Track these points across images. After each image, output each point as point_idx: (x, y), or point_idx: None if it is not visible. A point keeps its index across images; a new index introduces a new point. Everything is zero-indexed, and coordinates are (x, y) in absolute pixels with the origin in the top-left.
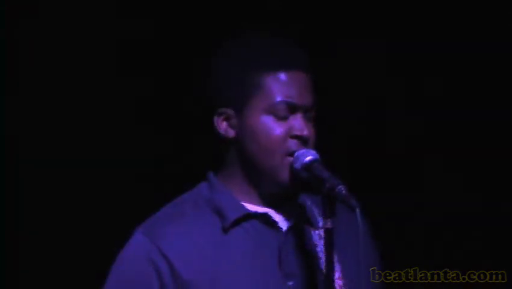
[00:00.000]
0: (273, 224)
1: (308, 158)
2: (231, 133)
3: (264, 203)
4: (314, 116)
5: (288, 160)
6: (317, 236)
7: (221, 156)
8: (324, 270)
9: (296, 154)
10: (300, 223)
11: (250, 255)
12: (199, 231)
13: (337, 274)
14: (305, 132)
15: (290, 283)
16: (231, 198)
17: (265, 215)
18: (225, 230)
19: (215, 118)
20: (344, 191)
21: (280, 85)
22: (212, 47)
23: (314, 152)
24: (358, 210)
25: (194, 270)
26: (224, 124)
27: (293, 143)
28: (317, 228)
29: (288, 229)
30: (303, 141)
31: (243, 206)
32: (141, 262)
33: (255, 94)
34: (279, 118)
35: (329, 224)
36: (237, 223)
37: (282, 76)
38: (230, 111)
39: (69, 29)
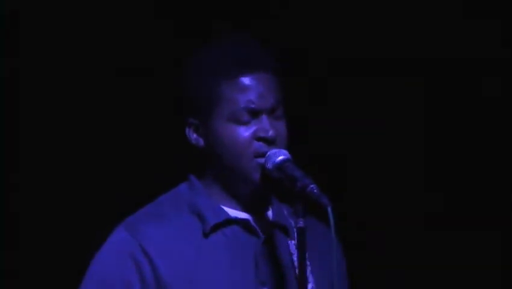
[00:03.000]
0: (253, 230)
1: (280, 158)
2: (201, 142)
3: (242, 208)
4: (282, 113)
5: (257, 161)
6: (294, 246)
7: (198, 163)
8: (297, 271)
9: (268, 153)
10: (278, 231)
11: (228, 261)
12: (179, 233)
13: (310, 286)
14: (270, 133)
15: (267, 287)
16: (211, 202)
17: (245, 222)
18: (205, 234)
19: (186, 128)
20: (316, 190)
21: (240, 92)
22: (184, 57)
23: (285, 151)
24: (329, 208)
25: (173, 270)
26: (194, 135)
27: (259, 145)
28: (293, 238)
29: (266, 236)
30: (270, 142)
31: (224, 211)
32: (123, 257)
33: (217, 103)
34: (242, 124)
35: (301, 223)
36: (216, 227)
37: (241, 82)
38: (197, 121)
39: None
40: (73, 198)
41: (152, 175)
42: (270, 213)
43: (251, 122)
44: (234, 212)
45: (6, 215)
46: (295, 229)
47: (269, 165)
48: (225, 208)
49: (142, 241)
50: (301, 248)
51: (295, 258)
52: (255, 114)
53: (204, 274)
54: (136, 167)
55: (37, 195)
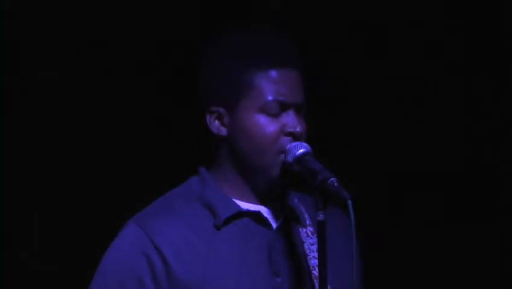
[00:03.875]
0: (264, 222)
1: (300, 151)
2: (223, 131)
3: (255, 200)
4: (306, 112)
5: (280, 158)
6: (305, 234)
7: (213, 154)
8: (312, 269)
9: (288, 147)
10: (289, 220)
11: (241, 252)
12: (190, 227)
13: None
14: (298, 129)
15: (278, 279)
16: (222, 195)
17: (257, 213)
18: (217, 227)
19: (208, 116)
20: (336, 184)
21: (272, 84)
22: (203, 46)
23: (306, 144)
24: (349, 202)
25: (185, 265)
26: (216, 123)
27: (286, 141)
28: (305, 226)
29: (278, 227)
30: (296, 137)
31: (235, 204)
32: (135, 253)
33: (247, 93)
34: (271, 116)
35: (321, 217)
36: (229, 220)
37: (273, 74)
38: (222, 110)
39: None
40: (79, 195)
41: (159, 171)
42: (282, 204)
43: (279, 116)
44: (246, 205)
45: (6, 215)
46: (317, 223)
47: (289, 158)
48: (236, 201)
49: (153, 237)
50: (321, 241)
51: (306, 246)
52: (284, 107)
53: (217, 268)
54: (144, 162)
55: (42, 191)
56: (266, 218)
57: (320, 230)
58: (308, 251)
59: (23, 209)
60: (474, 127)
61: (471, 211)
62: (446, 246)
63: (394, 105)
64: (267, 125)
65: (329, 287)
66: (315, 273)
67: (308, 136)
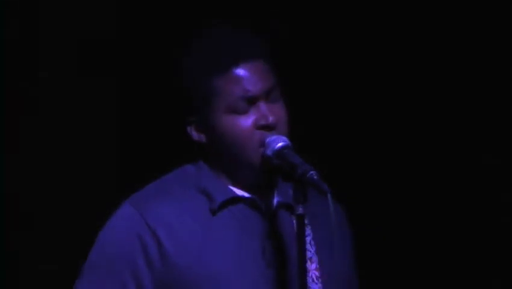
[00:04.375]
0: (259, 208)
1: (279, 145)
2: (203, 138)
3: (249, 190)
4: (279, 94)
5: (260, 151)
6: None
7: (204, 157)
8: (306, 259)
9: (266, 140)
10: (283, 209)
11: (236, 238)
12: (186, 210)
13: (313, 266)
14: (270, 119)
15: (271, 268)
16: (218, 182)
17: (252, 199)
18: (213, 212)
19: (188, 127)
20: (315, 177)
21: (233, 83)
22: (174, 61)
23: (284, 138)
24: (329, 195)
25: (180, 247)
26: (195, 132)
27: (261, 134)
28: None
29: (272, 214)
30: (271, 128)
31: (231, 190)
32: (129, 236)
33: (213, 98)
34: (241, 114)
35: (300, 210)
36: (224, 205)
37: (233, 72)
38: (197, 118)
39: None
40: (79, 196)
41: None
42: (275, 193)
43: (249, 111)
44: (241, 192)
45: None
46: (296, 216)
47: (269, 152)
48: (232, 188)
49: (149, 219)
50: (300, 234)
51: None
52: (251, 101)
53: (212, 252)
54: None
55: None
56: (261, 205)
57: (299, 223)
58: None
59: (23, 209)
60: (475, 127)
61: (471, 211)
62: (445, 246)
63: (393, 103)
64: (237, 124)
65: (318, 277)
66: (307, 265)
67: (291, 117)
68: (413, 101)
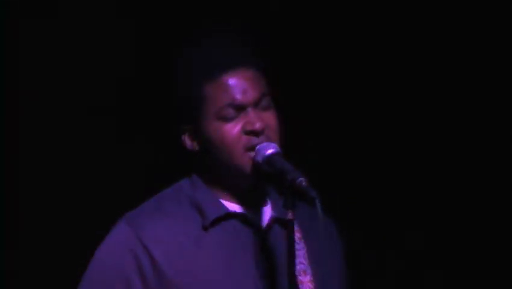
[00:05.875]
0: (250, 224)
1: (269, 152)
2: (196, 146)
3: (242, 202)
4: (269, 102)
5: (248, 155)
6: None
7: (198, 166)
8: (300, 272)
9: (257, 147)
10: (276, 224)
11: (229, 254)
12: (179, 228)
13: (307, 278)
14: (257, 125)
15: (263, 281)
16: (211, 197)
17: (243, 215)
18: (205, 228)
19: (182, 136)
20: (304, 183)
21: (222, 91)
22: (166, 71)
23: (274, 144)
24: (317, 201)
25: (173, 264)
26: (188, 140)
27: (248, 138)
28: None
29: (265, 229)
30: (258, 133)
31: (223, 205)
32: (123, 254)
33: (203, 106)
34: (229, 120)
35: (290, 216)
36: (216, 222)
37: (222, 81)
38: (189, 127)
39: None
40: (81, 196)
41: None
42: (268, 206)
43: (238, 118)
44: (233, 206)
45: (6, 216)
46: (286, 220)
47: (259, 159)
48: (224, 202)
49: (143, 237)
50: (289, 239)
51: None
52: (240, 109)
53: (205, 267)
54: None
55: (37, 194)
56: (253, 220)
57: (288, 228)
58: (296, 253)
59: (23, 209)
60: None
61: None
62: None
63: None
64: (225, 130)
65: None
66: (300, 278)
67: (281, 125)
68: (407, 104)
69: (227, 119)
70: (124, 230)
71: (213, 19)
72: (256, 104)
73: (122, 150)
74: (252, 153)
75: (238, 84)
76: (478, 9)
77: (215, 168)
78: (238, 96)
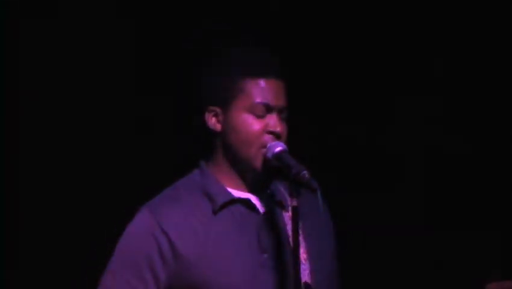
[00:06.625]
0: (253, 207)
1: (278, 149)
2: (218, 127)
3: (246, 189)
4: (286, 116)
5: (262, 151)
6: (287, 218)
7: (210, 146)
8: (291, 243)
9: (268, 145)
10: (275, 206)
11: (234, 233)
12: (192, 213)
13: (302, 250)
14: (278, 129)
15: (265, 255)
16: (219, 185)
17: (247, 200)
18: (214, 212)
19: (206, 114)
20: (307, 176)
21: (259, 90)
22: (204, 57)
23: (282, 143)
24: (318, 191)
25: (187, 244)
26: (213, 120)
27: (267, 138)
28: (288, 211)
29: (265, 211)
30: (277, 136)
31: (229, 192)
32: (145, 236)
33: (239, 96)
34: (257, 117)
35: (294, 203)
36: (224, 206)
37: (261, 82)
38: (218, 109)
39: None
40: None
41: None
42: (268, 191)
43: (264, 117)
44: (238, 193)
45: (6, 216)
46: (290, 207)
47: (269, 155)
48: (230, 190)
49: (161, 221)
50: (294, 222)
51: (288, 228)
52: (268, 110)
53: (213, 246)
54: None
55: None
56: (255, 204)
57: (294, 213)
58: (289, 232)
59: (23, 209)
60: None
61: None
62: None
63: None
64: (252, 123)
65: (306, 259)
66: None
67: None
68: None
69: (256, 115)
70: (146, 217)
71: (213, 19)
72: (280, 111)
73: (122, 151)
74: (264, 150)
75: (273, 89)
76: (478, 9)
77: (227, 151)
78: (272, 99)
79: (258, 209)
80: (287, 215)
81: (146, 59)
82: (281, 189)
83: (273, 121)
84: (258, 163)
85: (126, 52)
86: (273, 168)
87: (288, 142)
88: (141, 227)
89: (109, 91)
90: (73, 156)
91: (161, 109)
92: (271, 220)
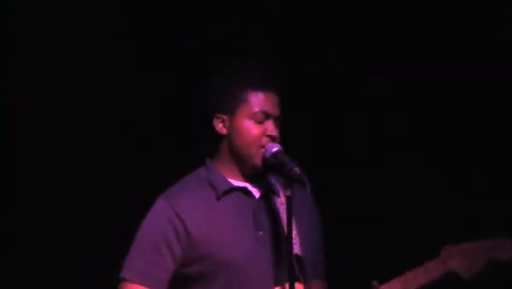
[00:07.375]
0: (250, 194)
1: (275, 149)
2: (224, 131)
3: (244, 179)
4: (280, 124)
5: (261, 151)
6: (279, 203)
7: (216, 147)
8: (285, 226)
9: (266, 146)
10: (268, 193)
11: (234, 215)
12: (200, 199)
13: (294, 232)
14: (274, 133)
15: (261, 233)
16: (220, 177)
17: (244, 188)
18: (217, 198)
19: (214, 120)
20: (298, 171)
21: (259, 100)
22: (212, 70)
23: (278, 145)
24: (308, 185)
25: (197, 225)
26: (220, 125)
27: (266, 140)
28: (279, 196)
29: (260, 197)
30: (273, 138)
31: (229, 182)
32: (163, 220)
33: (242, 106)
34: (257, 123)
35: (288, 193)
36: (225, 193)
37: (260, 94)
38: (225, 116)
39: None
40: (73, 198)
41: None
42: (263, 182)
43: (263, 123)
44: (237, 182)
45: (6, 216)
46: (284, 197)
47: (267, 154)
48: (230, 180)
49: (176, 208)
50: (288, 210)
51: (281, 210)
52: (266, 117)
53: (218, 226)
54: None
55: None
56: (251, 191)
57: (288, 202)
58: (280, 215)
59: (22, 210)
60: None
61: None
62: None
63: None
64: (253, 129)
65: (297, 237)
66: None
67: (280, 138)
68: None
69: (256, 121)
70: (163, 204)
71: (213, 19)
72: (276, 119)
73: (122, 150)
74: (263, 150)
75: (271, 100)
76: (478, 9)
77: (232, 152)
78: (270, 108)
79: (253, 195)
80: (279, 201)
81: (146, 59)
82: (272, 181)
83: (270, 126)
84: (257, 161)
85: (127, 51)
86: (270, 165)
87: (281, 142)
88: (159, 213)
89: (110, 91)
90: (73, 156)
91: (161, 109)
92: (265, 204)
